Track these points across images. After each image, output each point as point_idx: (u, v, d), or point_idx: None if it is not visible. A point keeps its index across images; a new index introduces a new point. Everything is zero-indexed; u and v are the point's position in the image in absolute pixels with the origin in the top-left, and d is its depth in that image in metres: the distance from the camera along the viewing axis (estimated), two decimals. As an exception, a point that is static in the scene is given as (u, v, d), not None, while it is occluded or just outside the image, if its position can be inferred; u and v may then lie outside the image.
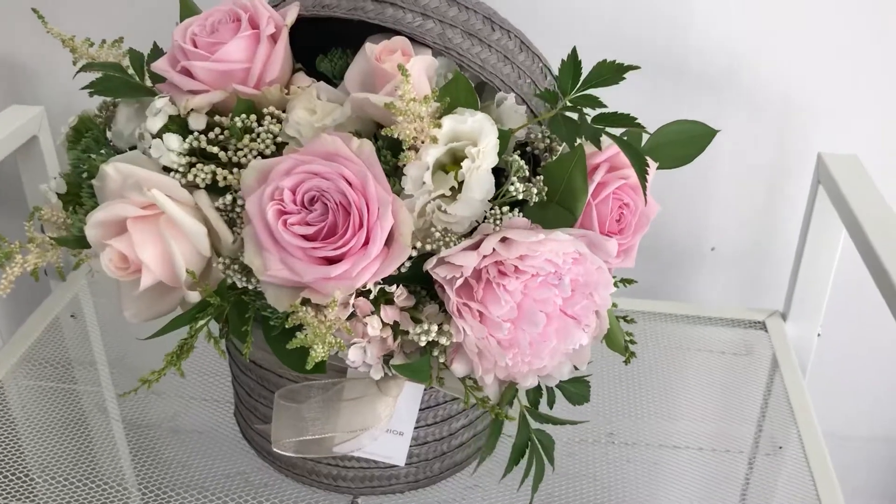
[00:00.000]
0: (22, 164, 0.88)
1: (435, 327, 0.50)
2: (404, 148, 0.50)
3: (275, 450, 0.59)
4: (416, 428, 0.63)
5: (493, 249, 0.49)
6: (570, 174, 0.53)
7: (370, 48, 0.53)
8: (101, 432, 0.72)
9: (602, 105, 0.53)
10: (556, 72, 0.61)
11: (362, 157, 0.50)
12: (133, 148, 0.58)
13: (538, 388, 0.56)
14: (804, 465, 0.69)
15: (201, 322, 0.54)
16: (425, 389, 0.61)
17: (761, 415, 0.77)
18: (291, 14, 0.56)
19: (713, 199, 0.94)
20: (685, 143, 0.61)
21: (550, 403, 0.57)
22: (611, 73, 0.53)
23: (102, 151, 0.59)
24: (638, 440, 0.74)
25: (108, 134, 0.63)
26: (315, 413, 0.59)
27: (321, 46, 0.62)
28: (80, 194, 0.60)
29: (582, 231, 0.52)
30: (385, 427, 0.59)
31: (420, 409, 0.62)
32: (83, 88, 0.60)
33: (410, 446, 0.63)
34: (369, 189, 0.49)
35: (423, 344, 0.51)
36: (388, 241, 0.50)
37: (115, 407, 0.76)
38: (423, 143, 0.50)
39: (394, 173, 0.52)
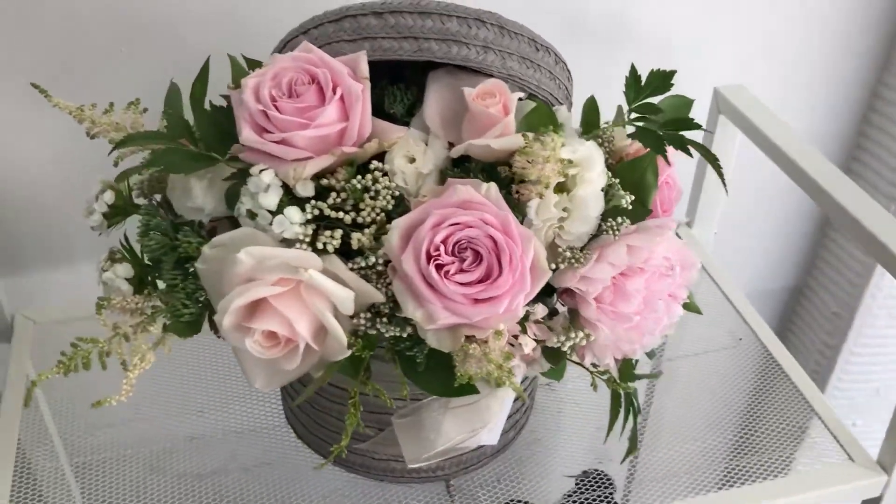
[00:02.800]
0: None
1: (581, 333, 0.58)
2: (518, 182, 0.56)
3: (410, 466, 0.64)
4: (496, 408, 0.70)
5: (625, 261, 0.56)
6: (643, 174, 0.61)
7: (468, 92, 0.57)
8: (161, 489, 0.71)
9: (659, 110, 0.61)
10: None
11: (490, 199, 0.55)
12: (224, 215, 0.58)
13: (628, 354, 0.66)
14: (763, 351, 0.86)
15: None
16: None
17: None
18: (363, 64, 0.57)
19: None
20: (678, 112, 0.70)
21: (635, 364, 0.67)
22: (660, 81, 0.61)
23: (186, 230, 0.57)
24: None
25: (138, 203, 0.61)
26: (434, 424, 0.64)
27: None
28: (152, 277, 0.59)
29: (663, 220, 0.61)
30: (504, 417, 0.66)
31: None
32: (146, 167, 0.57)
33: (494, 425, 0.71)
34: (511, 228, 0.54)
35: (565, 349, 0.58)
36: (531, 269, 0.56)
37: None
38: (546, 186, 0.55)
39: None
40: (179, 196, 0.59)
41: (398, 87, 0.62)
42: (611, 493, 0.77)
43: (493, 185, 0.55)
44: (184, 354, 0.82)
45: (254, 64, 0.63)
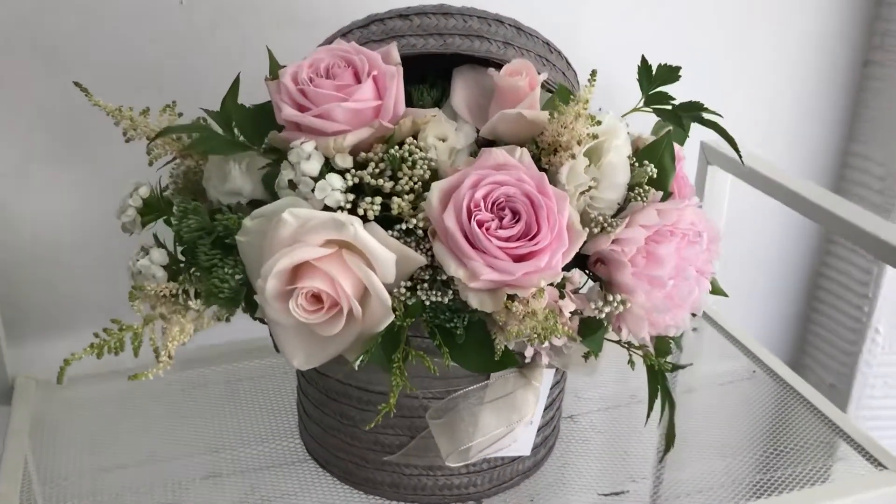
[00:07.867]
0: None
1: (618, 298, 0.58)
2: (552, 151, 0.58)
3: (448, 463, 0.62)
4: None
5: (656, 220, 0.58)
6: (662, 157, 0.64)
7: (493, 73, 0.60)
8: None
9: (673, 98, 0.65)
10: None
11: (524, 163, 0.57)
12: (261, 198, 0.59)
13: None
14: (779, 381, 0.87)
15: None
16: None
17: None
18: (395, 52, 0.60)
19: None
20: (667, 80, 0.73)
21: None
22: (668, 73, 0.65)
23: (225, 210, 0.58)
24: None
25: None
26: (471, 418, 0.63)
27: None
28: (191, 261, 0.59)
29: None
30: (538, 414, 0.65)
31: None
32: (188, 149, 0.58)
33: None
34: (546, 187, 0.56)
35: (602, 316, 0.58)
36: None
37: None
38: (577, 144, 0.57)
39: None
40: (216, 183, 0.60)
41: (424, 86, 0.65)
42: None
43: (525, 151, 0.57)
44: (196, 395, 0.80)
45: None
